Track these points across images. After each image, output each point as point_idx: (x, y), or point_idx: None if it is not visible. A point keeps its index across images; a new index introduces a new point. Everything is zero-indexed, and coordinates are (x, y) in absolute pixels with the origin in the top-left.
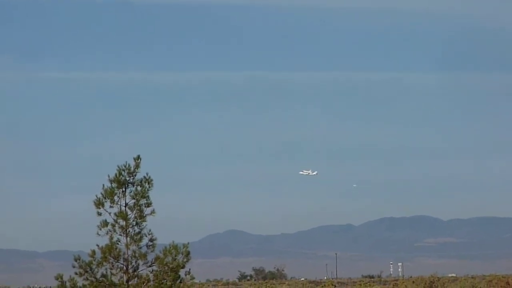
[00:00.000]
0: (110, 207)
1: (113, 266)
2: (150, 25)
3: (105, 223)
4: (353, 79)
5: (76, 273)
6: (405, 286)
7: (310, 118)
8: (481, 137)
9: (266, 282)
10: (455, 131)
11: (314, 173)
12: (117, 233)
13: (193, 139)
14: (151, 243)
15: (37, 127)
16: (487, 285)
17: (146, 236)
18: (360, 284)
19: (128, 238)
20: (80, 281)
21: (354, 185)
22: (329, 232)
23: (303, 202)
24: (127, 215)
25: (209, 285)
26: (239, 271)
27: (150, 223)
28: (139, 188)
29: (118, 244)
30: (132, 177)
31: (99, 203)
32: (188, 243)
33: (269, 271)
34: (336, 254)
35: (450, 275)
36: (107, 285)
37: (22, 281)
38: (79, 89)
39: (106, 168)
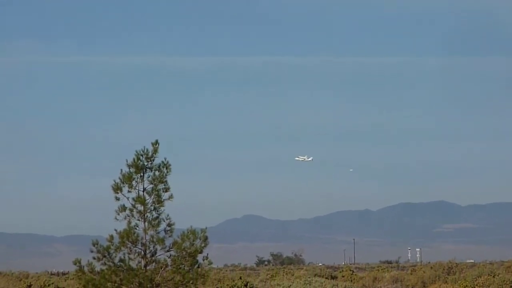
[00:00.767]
0: (128, 192)
1: (131, 251)
2: (167, 9)
3: (123, 208)
4: (365, 63)
5: (94, 258)
6: (423, 271)
7: (321, 103)
8: (500, 122)
9: (284, 267)
10: (475, 115)
11: (309, 159)
12: (135, 218)
13: (212, 123)
14: (169, 228)
15: (55, 111)
16: (505, 271)
17: (164, 221)
18: (378, 270)
19: (146, 223)
20: (98, 266)
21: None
22: (347, 217)
23: (321, 187)
24: (145, 200)
25: (226, 270)
26: (256, 256)
27: (168, 208)
28: (157, 173)
29: (136, 229)
30: (150, 162)
31: (117, 188)
32: (206, 228)
33: (287, 256)
34: (354, 239)
35: (468, 260)
36: (125, 270)
37: (39, 266)
38: (97, 73)
39: (124, 153)
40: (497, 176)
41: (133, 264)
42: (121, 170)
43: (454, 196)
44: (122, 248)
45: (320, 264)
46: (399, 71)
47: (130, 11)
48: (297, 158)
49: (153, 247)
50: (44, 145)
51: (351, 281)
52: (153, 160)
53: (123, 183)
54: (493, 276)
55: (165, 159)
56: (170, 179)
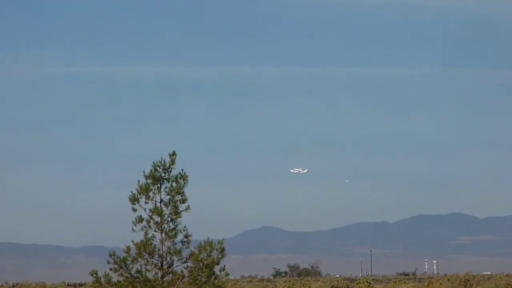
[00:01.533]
0: (145, 203)
1: (147, 262)
2: (188, 19)
3: (140, 219)
4: (389, 74)
5: (111, 269)
6: (440, 283)
7: (343, 112)
8: None
9: (301, 279)
10: (495, 126)
11: (304, 171)
12: (152, 229)
13: (230, 134)
14: (186, 239)
15: (73, 121)
16: None
17: (181, 232)
18: (395, 282)
19: (163, 234)
20: (114, 277)
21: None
22: (364, 229)
23: (338, 198)
24: (162, 211)
25: (243, 282)
26: (274, 267)
27: (185, 219)
28: (174, 184)
29: (153, 240)
30: (167, 173)
31: (134, 199)
32: (223, 239)
33: (304, 268)
34: (371, 251)
35: (484, 273)
36: (141, 281)
37: (57, 277)
38: (115, 84)
39: (142, 164)
40: None
41: (150, 275)
42: (138, 181)
43: (471, 208)
44: (139, 259)
45: (337, 276)
46: (418, 80)
47: (149, 20)
48: (292, 171)
49: (170, 258)
50: (62, 156)
51: None
52: (170, 171)
53: (140, 194)
54: None
55: (182, 170)
56: (187, 190)
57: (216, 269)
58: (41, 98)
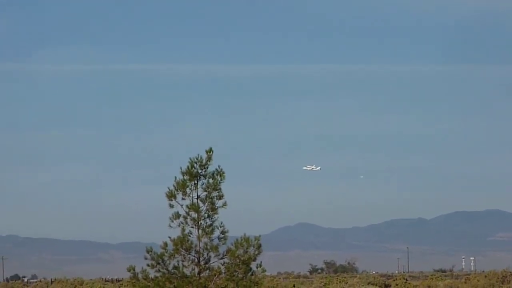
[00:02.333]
0: (182, 199)
1: (184, 258)
2: (218, 16)
3: (177, 215)
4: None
5: (148, 265)
6: (477, 280)
7: (371, 110)
8: None
9: (337, 276)
10: None
11: (317, 169)
12: (189, 225)
13: (265, 130)
14: (223, 235)
15: (109, 118)
16: None
17: (218, 229)
18: (432, 278)
19: (200, 230)
20: (152, 273)
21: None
22: (401, 225)
23: (375, 195)
24: (199, 208)
25: (280, 278)
26: (310, 264)
27: (221, 216)
28: (211, 180)
29: (190, 236)
30: (204, 170)
31: (171, 195)
32: (260, 235)
33: (340, 265)
34: (407, 248)
35: None
36: (178, 277)
37: (94, 273)
38: (150, 80)
39: (179, 160)
40: None
41: (187, 271)
42: (175, 177)
43: (508, 205)
44: (176, 255)
45: (374, 273)
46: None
47: (180, 18)
48: (304, 168)
49: (207, 254)
50: (101, 153)
51: None
52: (207, 168)
53: (177, 191)
54: None
55: (219, 166)
56: (223, 186)
57: (253, 265)
58: (75, 95)
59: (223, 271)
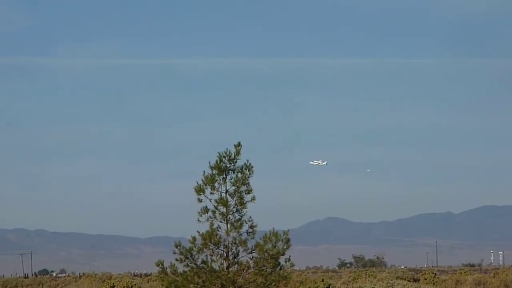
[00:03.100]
0: (211, 193)
1: (213, 252)
2: (246, 9)
3: (205, 210)
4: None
5: (176, 260)
6: (506, 274)
7: (397, 104)
8: None
9: (366, 270)
10: None
11: (324, 163)
12: (217, 219)
13: (296, 125)
14: (251, 230)
15: (139, 113)
16: None
17: (247, 223)
18: (461, 273)
19: (228, 225)
20: (180, 267)
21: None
22: (429, 220)
23: (403, 189)
24: (227, 202)
25: (308, 272)
26: (338, 258)
27: (250, 210)
28: (239, 175)
29: (218, 230)
30: (232, 164)
31: (199, 190)
32: (288, 230)
33: (369, 259)
34: (436, 242)
35: None
36: (207, 272)
37: (123, 267)
38: (180, 75)
39: (207, 155)
40: None
41: (216, 265)
42: (204, 172)
43: None
44: (205, 249)
45: (403, 267)
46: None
47: (204, 12)
48: (311, 162)
49: (236, 248)
50: (128, 148)
51: (434, 284)
52: (236, 162)
53: (205, 185)
54: None
55: (247, 161)
56: (252, 181)
57: (281, 259)
58: (102, 91)
59: (251, 265)
